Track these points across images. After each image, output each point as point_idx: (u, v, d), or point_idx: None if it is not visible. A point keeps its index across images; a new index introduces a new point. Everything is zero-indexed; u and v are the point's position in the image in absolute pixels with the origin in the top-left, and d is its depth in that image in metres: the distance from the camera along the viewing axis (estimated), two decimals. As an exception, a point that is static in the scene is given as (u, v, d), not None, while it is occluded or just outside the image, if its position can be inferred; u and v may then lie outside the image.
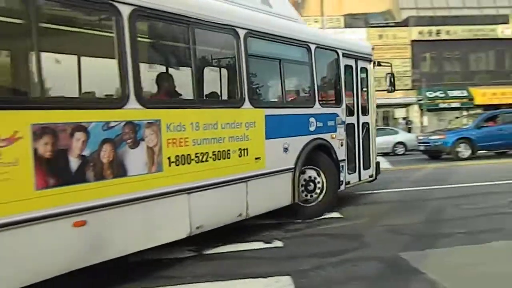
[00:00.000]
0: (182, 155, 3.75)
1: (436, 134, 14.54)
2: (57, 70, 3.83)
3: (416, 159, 14.81)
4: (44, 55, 2.88)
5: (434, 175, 8.01)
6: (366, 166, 6.77)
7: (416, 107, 25.29)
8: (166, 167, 3.61)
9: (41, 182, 2.77)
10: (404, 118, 25.30)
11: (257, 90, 4.95)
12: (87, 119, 3.05)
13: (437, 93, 24.86)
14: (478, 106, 23.78)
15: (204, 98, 4.55)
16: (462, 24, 25.36)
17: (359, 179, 6.62)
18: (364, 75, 6.72)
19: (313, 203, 5.66)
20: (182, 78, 4.28)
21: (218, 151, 4.12)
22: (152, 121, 3.51)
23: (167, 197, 3.62)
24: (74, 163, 2.96)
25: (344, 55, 6.16)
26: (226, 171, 4.21)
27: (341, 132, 6.02)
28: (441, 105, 25.05)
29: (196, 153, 3.89)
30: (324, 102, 5.88)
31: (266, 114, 4.73)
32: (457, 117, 22.06)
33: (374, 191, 7.48)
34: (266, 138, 4.71)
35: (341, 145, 6.03)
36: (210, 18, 4.12)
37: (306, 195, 5.57)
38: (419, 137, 15.66)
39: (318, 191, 5.67)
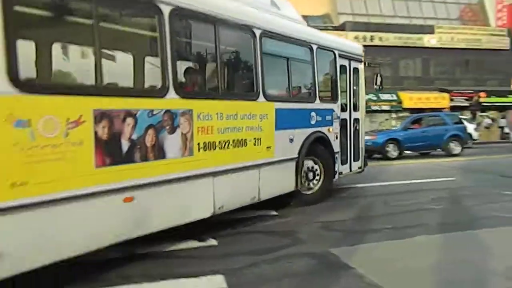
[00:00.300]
0: (209, 141, 4.20)
1: (368, 134, 15.24)
2: (112, 63, 4.22)
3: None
4: (103, 50, 3.39)
5: (365, 173, 8.38)
6: (356, 158, 7.45)
7: (350, 109, 26.42)
8: (196, 152, 4.05)
9: (100, 161, 3.16)
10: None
11: (269, 85, 5.24)
12: (136, 107, 3.47)
13: (370, 96, 26.12)
14: (406, 109, 25.36)
15: (227, 91, 4.94)
16: (394, 31, 26.90)
17: (350, 170, 7.32)
18: (356, 74, 7.34)
19: (312, 191, 6.24)
20: (209, 73, 4.80)
21: (237, 139, 4.59)
22: (186, 111, 3.94)
23: (196, 179, 4.07)
24: (125, 145, 3.37)
25: (340, 55, 6.75)
26: (243, 157, 4.69)
27: (336, 126, 6.64)
28: (373, 108, 26.35)
29: (220, 141, 4.33)
30: (323, 98, 6.36)
31: (276, 108, 5.22)
32: (386, 119, 23.41)
33: (309, 189, 7.64)
34: (276, 129, 5.22)
35: (336, 138, 6.64)
36: (233, 18, 4.60)
37: (306, 183, 6.11)
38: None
39: (316, 179, 6.28)
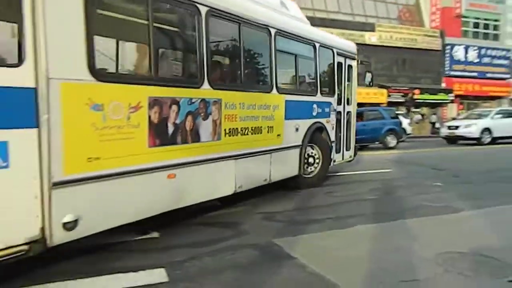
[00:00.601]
0: (233, 128, 4.84)
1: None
2: (161, 58, 4.94)
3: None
4: (155, 47, 3.86)
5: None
6: (348, 148, 8.27)
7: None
8: (223, 137, 4.68)
9: (151, 141, 3.73)
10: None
11: (280, 79, 5.87)
12: (179, 95, 4.06)
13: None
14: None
15: (248, 83, 5.38)
16: (338, 27, 27.65)
17: (342, 158, 8.10)
18: (350, 71, 8.10)
19: (312, 175, 6.98)
20: (234, 67, 5.42)
21: (255, 127, 5.27)
22: (216, 100, 4.56)
23: (223, 160, 4.72)
24: (170, 128, 3.95)
25: (337, 53, 7.50)
26: (259, 144, 5.36)
27: (333, 117, 7.41)
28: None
29: (241, 127, 4.98)
30: (323, 92, 7.05)
31: (285, 99, 5.90)
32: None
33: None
34: (285, 119, 5.91)
35: (332, 129, 7.43)
36: (254, 18, 5.21)
37: (307, 168, 6.85)
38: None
39: (316, 165, 7.04)
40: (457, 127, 17.46)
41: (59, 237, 2.99)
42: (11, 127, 2.67)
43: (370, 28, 28.78)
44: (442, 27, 32.00)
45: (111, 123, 3.33)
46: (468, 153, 14.10)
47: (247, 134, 5.11)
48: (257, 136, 5.30)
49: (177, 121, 4.02)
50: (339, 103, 7.67)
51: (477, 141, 16.78)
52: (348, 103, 8.11)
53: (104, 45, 4.47)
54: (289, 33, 6.03)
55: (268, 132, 5.54)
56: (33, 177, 2.82)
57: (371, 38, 28.21)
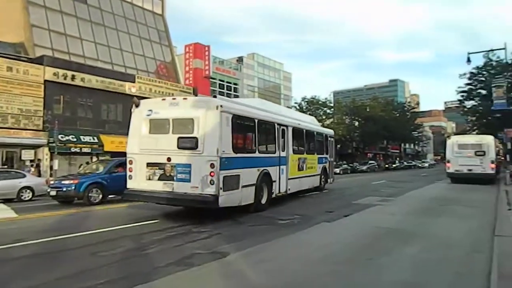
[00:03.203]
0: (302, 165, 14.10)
1: (68, 178, 14.07)
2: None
3: (46, 205, 13.58)
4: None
5: (68, 222, 7.58)
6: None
7: (46, 149, 23.93)
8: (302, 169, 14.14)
9: (296, 170, 13.82)
10: (32, 161, 23.30)
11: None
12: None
13: (70, 137, 24.66)
14: (107, 153, 25.33)
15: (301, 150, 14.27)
16: (97, 74, 26.82)
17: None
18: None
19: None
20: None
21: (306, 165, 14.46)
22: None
23: (303, 178, 14.23)
24: (299, 164, 14.18)
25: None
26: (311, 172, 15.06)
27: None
28: (73, 149, 24.96)
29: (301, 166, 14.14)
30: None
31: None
32: (87, 162, 22.55)
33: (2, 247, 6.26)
34: (317, 163, 15.94)
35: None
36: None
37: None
38: (52, 182, 14.74)
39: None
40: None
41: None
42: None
43: (131, 79, 29.21)
44: (195, 85, 35.68)
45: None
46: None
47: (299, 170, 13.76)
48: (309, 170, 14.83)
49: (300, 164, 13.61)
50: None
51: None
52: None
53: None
54: (294, 127, 13.71)
55: (311, 168, 15.21)
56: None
57: (131, 88, 28.56)
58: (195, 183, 8.58)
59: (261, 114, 11.03)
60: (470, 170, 21.17)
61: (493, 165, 21.28)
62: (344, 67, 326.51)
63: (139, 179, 9.37)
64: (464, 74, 42.04)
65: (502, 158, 30.02)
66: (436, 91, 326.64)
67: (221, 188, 8.53)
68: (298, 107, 50.70)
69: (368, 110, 58.42)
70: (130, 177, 9.61)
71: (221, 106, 8.75)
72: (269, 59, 60.72)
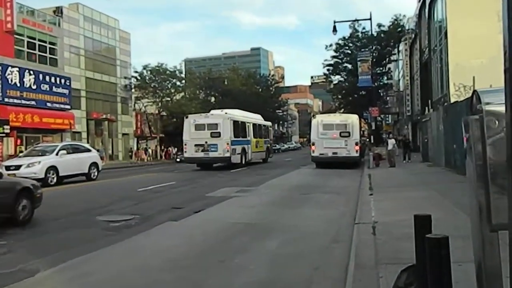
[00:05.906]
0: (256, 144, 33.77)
1: None
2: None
3: None
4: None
5: None
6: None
7: None
8: (257, 147, 33.95)
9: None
10: None
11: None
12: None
13: None
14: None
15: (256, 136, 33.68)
16: None
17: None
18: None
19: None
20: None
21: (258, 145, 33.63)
22: (250, 140, 31.85)
23: (258, 152, 33.30)
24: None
25: (268, 126, 37.41)
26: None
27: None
28: None
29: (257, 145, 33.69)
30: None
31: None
32: None
33: None
34: (264, 144, 35.24)
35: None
36: (257, 122, 34.48)
37: None
38: None
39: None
40: (18, 167, 17.66)
41: None
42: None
43: None
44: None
45: None
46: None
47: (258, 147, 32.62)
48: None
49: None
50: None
51: (43, 182, 17.63)
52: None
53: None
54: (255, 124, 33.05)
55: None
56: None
57: None
58: (220, 152, 25.26)
59: (242, 118, 29.50)
60: (335, 153, 23.98)
61: (357, 147, 24.37)
62: (200, 29, 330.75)
63: (190, 152, 26.05)
64: (331, 45, 46.57)
65: (367, 139, 34.59)
66: (302, 64, 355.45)
67: (232, 154, 25.56)
68: (139, 78, 49.59)
69: (226, 83, 60.56)
70: (185, 151, 26.49)
71: (229, 117, 26.58)
72: (100, 13, 56.81)
